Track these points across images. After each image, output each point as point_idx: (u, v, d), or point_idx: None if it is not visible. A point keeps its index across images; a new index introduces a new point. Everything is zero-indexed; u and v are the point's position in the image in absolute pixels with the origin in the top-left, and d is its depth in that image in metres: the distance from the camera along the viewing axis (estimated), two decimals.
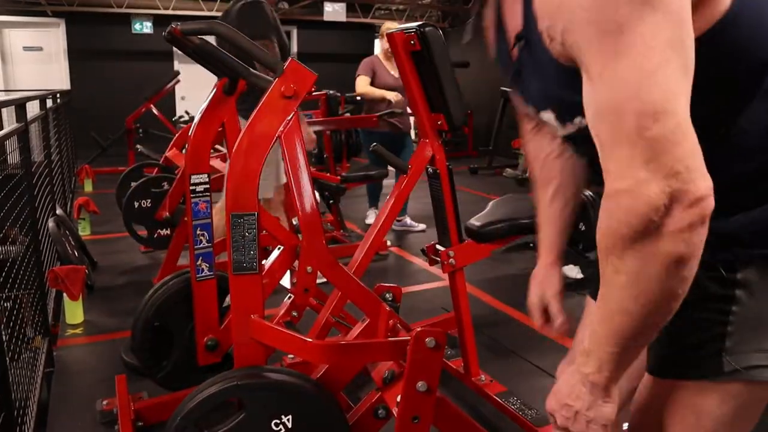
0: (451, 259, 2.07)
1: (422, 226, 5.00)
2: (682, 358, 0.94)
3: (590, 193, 4.20)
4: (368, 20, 10.39)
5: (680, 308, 0.76)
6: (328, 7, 8.34)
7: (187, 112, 8.04)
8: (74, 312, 3.11)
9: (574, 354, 0.93)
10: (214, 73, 2.08)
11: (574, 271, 3.89)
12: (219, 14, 11.26)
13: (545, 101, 0.91)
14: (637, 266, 0.72)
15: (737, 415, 0.93)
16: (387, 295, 1.64)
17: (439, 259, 2.09)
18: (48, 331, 2.74)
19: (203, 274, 2.09)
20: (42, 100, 4.36)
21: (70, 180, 6.45)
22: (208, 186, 2.04)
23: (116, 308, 3.33)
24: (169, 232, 3.76)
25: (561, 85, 0.83)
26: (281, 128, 1.43)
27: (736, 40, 0.80)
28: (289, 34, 10.83)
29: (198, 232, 2.06)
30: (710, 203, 0.70)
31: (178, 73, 8.18)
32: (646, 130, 0.69)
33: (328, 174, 4.40)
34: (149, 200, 3.71)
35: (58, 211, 3.81)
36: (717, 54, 0.79)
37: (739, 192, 0.87)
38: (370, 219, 5.09)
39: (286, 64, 1.43)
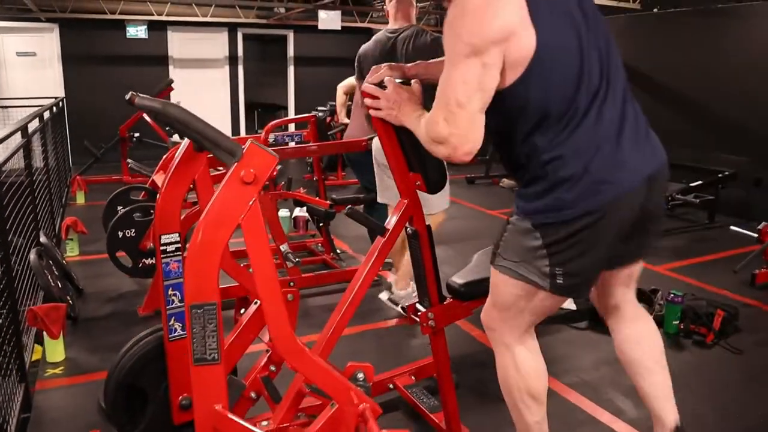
0: (431, 321, 2.01)
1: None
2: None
3: None
4: (365, 25, 10.30)
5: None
6: (322, 15, 8.26)
7: None
8: (54, 350, 3.06)
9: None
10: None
11: (566, 301, 3.84)
12: (214, 20, 11.05)
13: None
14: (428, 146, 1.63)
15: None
16: (358, 375, 1.58)
17: (418, 320, 2.03)
18: (24, 374, 2.69)
19: (176, 334, 2.04)
20: (40, 116, 4.33)
21: (61, 192, 6.39)
22: (179, 245, 1.99)
23: (100, 343, 3.28)
24: (153, 261, 3.70)
25: None
26: (242, 216, 1.37)
27: (524, 94, 1.54)
28: (284, 38, 10.74)
29: (170, 292, 2.01)
30: (462, 152, 1.55)
31: (171, 81, 8.12)
32: (452, 107, 1.52)
33: (318, 198, 4.33)
34: (133, 229, 3.66)
35: (42, 239, 3.76)
36: (513, 100, 1.56)
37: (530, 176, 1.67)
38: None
39: (245, 147, 1.36)
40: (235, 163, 1.36)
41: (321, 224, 4.48)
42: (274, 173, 1.36)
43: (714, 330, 3.40)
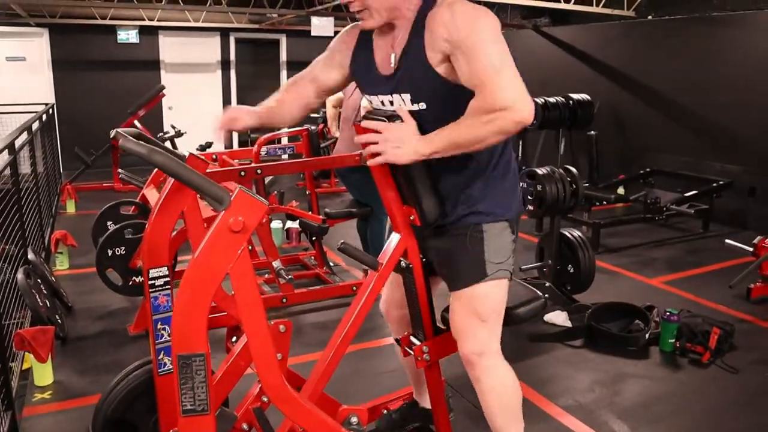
0: (425, 355, 1.98)
1: None
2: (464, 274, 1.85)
3: (579, 233, 4.08)
4: None
5: (457, 250, 1.85)
6: (315, 21, 8.20)
7: (173, 126, 7.91)
8: (43, 373, 3.00)
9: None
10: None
11: (561, 318, 3.81)
12: (206, 25, 10.98)
13: (417, 91, 1.73)
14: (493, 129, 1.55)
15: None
16: (352, 419, 1.54)
17: (412, 353, 1.99)
18: (10, 401, 2.63)
19: (166, 368, 1.99)
20: (28, 128, 4.26)
21: (51, 201, 6.32)
22: (168, 279, 1.94)
23: (89, 364, 3.23)
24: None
25: (430, 81, 1.69)
26: (230, 265, 1.32)
27: None
28: (277, 42, 10.68)
29: (159, 326, 1.96)
30: (530, 111, 1.55)
31: (163, 87, 8.05)
32: (509, 72, 1.56)
33: (310, 212, 4.28)
34: (123, 247, 3.60)
35: (30, 256, 3.70)
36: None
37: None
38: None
39: (234, 194, 1.32)
40: (223, 211, 1.31)
41: (314, 238, 4.44)
42: (264, 221, 1.31)
43: (710, 349, 3.38)
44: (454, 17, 1.58)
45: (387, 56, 1.78)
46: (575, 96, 6.34)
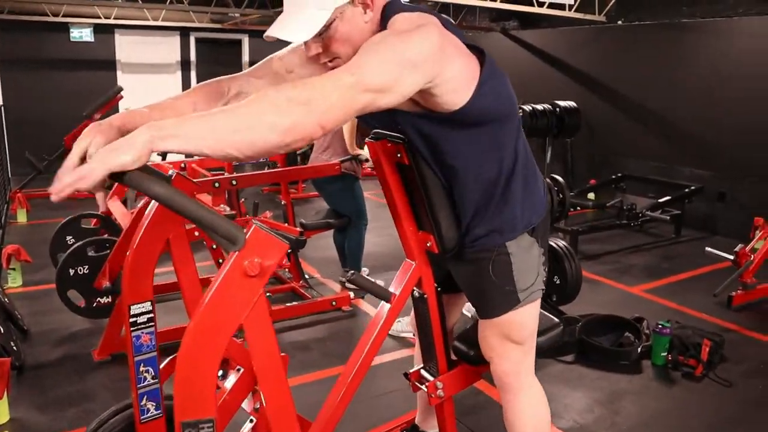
0: (439, 391, 1.81)
1: (380, 283, 4.51)
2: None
3: (565, 243, 3.97)
4: None
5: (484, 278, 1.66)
6: None
7: None
8: None
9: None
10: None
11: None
12: (165, 23, 10.55)
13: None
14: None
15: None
16: None
17: (425, 388, 1.82)
18: None
19: (149, 415, 1.77)
20: None
21: (0, 211, 5.92)
22: (151, 315, 1.72)
23: (50, 397, 2.95)
24: (110, 300, 3.38)
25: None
26: (244, 315, 1.13)
27: (484, 105, 1.43)
28: (239, 42, 10.37)
29: (141, 368, 1.74)
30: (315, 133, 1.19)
31: (120, 89, 7.65)
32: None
33: (287, 225, 4.07)
34: (86, 266, 3.32)
35: None
36: (478, 110, 1.43)
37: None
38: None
39: (249, 233, 1.13)
40: (237, 252, 1.12)
41: (290, 251, 4.22)
42: (284, 262, 1.13)
43: (702, 361, 3.32)
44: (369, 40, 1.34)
45: None
46: (562, 103, 6.28)
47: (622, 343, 3.55)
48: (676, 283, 4.82)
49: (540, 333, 1.91)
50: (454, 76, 1.35)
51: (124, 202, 4.26)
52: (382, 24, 1.40)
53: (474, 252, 1.66)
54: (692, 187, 6.21)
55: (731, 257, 4.30)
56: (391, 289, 1.71)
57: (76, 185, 1.04)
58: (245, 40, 10.35)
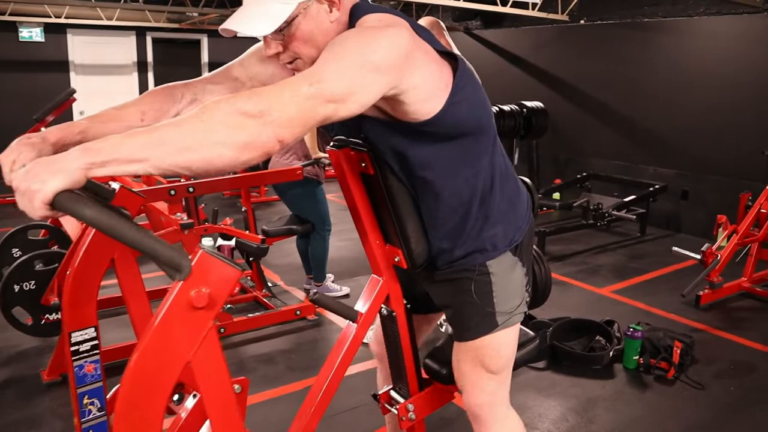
0: (410, 413, 1.70)
1: (345, 290, 4.31)
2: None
3: (535, 246, 3.91)
4: None
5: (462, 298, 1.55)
6: None
7: None
8: None
9: None
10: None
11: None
12: (120, 23, 10.16)
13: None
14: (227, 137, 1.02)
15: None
16: None
17: (396, 411, 1.71)
18: None
19: None
20: None
21: None
22: (95, 343, 1.57)
23: None
24: (60, 316, 3.17)
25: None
26: (192, 352, 1.00)
27: (456, 115, 1.32)
28: (198, 42, 10.11)
29: (85, 401, 1.59)
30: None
31: (73, 91, 7.36)
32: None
33: (248, 233, 3.91)
34: (33, 281, 3.11)
35: None
36: (451, 121, 1.32)
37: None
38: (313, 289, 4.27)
39: (195, 259, 0.99)
40: (181, 282, 0.98)
41: (252, 259, 4.06)
42: (235, 291, 1.01)
43: (674, 364, 3.28)
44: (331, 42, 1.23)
45: None
46: (529, 104, 6.24)
47: (593, 347, 3.49)
48: (643, 283, 4.81)
49: (517, 347, 1.81)
50: (423, 84, 1.24)
51: None
52: (350, 25, 1.29)
53: (452, 272, 1.55)
54: (656, 186, 6.23)
55: (698, 257, 4.29)
56: (358, 308, 1.58)
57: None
58: (204, 41, 10.09)
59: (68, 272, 1.54)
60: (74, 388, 1.58)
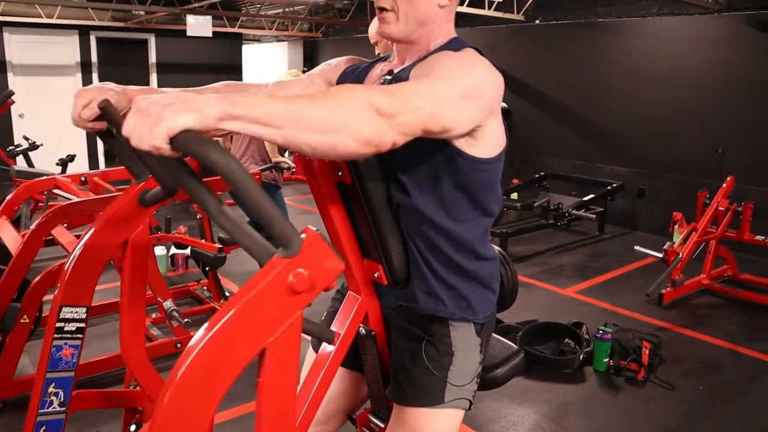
0: None
1: None
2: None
3: (498, 248, 3.84)
4: (235, 30, 9.59)
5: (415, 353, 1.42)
6: (191, 20, 7.46)
7: (26, 138, 6.87)
8: None
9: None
10: (134, 176, 1.45)
11: None
12: (61, 21, 9.75)
13: None
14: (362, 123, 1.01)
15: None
16: None
17: None
18: None
19: None
20: None
21: None
22: (82, 326, 1.41)
23: None
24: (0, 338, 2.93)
25: None
26: (273, 336, 0.91)
27: (497, 170, 1.36)
28: (145, 42, 9.75)
29: (50, 389, 1.42)
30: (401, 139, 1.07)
31: (11, 92, 6.98)
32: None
33: (204, 241, 3.72)
34: None
35: None
36: (490, 171, 1.33)
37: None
38: None
39: (308, 238, 0.92)
40: (288, 259, 0.90)
41: (208, 268, 3.87)
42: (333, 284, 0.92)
43: (644, 365, 3.26)
44: (451, 55, 1.29)
45: (377, 78, 1.44)
46: None
47: (563, 350, 3.45)
48: (606, 283, 4.82)
49: (499, 364, 1.72)
50: (497, 129, 1.30)
51: (16, 222, 3.78)
52: (449, 44, 1.37)
53: (415, 316, 1.43)
54: (614, 185, 6.29)
55: (660, 255, 4.31)
56: (335, 327, 1.45)
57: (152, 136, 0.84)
58: (152, 40, 9.72)
59: (80, 243, 1.38)
60: (43, 370, 1.40)
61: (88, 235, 1.37)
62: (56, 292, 1.46)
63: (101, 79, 9.47)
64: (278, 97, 0.96)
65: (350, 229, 1.42)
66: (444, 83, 1.16)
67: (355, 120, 0.99)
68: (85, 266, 1.37)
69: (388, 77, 1.40)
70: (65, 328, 1.46)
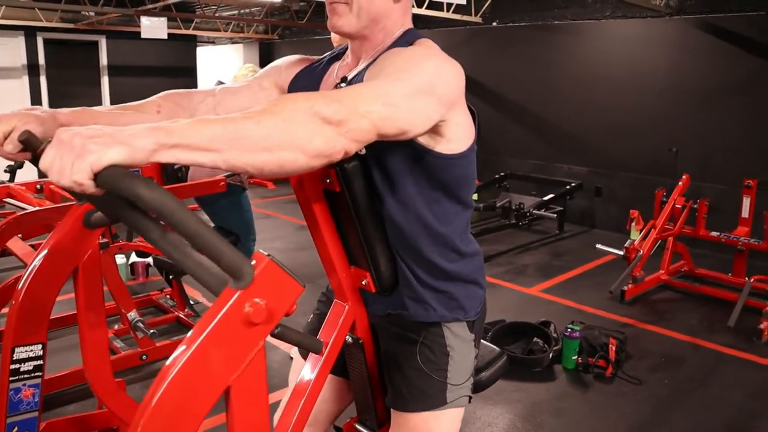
0: None
1: None
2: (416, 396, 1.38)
3: None
4: (190, 32, 9.40)
5: (411, 359, 1.39)
6: (146, 22, 7.27)
7: None
8: None
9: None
10: (75, 198, 1.37)
11: None
12: (6, 22, 9.40)
13: None
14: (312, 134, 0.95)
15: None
16: None
17: None
18: None
19: None
20: None
21: None
22: (40, 363, 1.34)
23: None
24: None
25: None
26: (235, 374, 0.86)
27: (469, 164, 1.32)
28: (95, 44, 9.47)
29: None
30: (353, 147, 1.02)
31: None
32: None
33: None
34: None
35: None
36: (463, 166, 1.30)
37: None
38: None
39: (259, 266, 0.86)
40: (239, 291, 0.85)
41: (171, 277, 3.77)
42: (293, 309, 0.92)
43: (611, 361, 3.33)
44: (401, 52, 1.22)
45: (333, 83, 1.37)
46: None
47: (532, 349, 3.49)
48: (569, 281, 4.91)
49: (483, 367, 1.71)
50: (463, 122, 1.26)
51: None
52: (403, 40, 1.31)
53: (406, 322, 1.41)
54: (573, 184, 6.41)
55: (621, 252, 4.41)
56: (322, 337, 1.42)
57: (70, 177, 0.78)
58: (102, 42, 9.45)
59: (24, 276, 1.29)
60: (3, 415, 1.32)
61: (33, 268, 1.29)
62: (5, 331, 1.38)
63: (49, 81, 9.16)
64: (212, 120, 0.88)
65: (337, 236, 1.39)
66: (395, 83, 1.10)
67: (301, 133, 0.93)
68: (35, 300, 1.29)
69: (342, 85, 1.34)
70: (21, 369, 1.38)
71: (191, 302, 4.05)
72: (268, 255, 0.89)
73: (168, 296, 4.11)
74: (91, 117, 1.25)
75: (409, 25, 1.35)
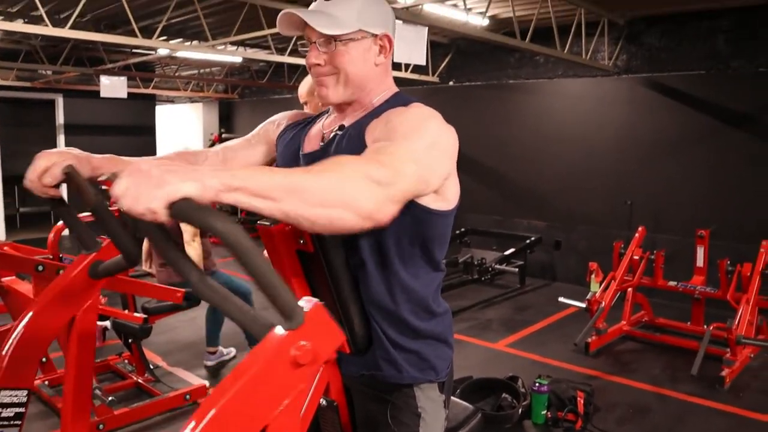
0: None
1: (232, 352, 4.19)
2: None
3: None
4: (149, 90, 9.40)
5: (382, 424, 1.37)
6: (105, 81, 7.25)
7: None
8: None
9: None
10: (85, 247, 1.35)
11: None
12: None
13: None
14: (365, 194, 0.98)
15: None
16: None
17: None
18: None
19: None
20: None
21: None
22: (22, 411, 1.27)
23: None
24: None
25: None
26: (276, 411, 0.87)
27: (448, 222, 1.36)
28: (52, 103, 9.37)
29: None
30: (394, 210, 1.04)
31: None
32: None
33: (127, 312, 3.51)
34: None
35: None
36: (445, 225, 1.35)
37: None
38: (212, 361, 4.10)
39: (308, 308, 0.89)
40: (287, 332, 0.87)
41: (131, 340, 3.65)
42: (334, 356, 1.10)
43: (580, 414, 3.32)
44: (405, 111, 1.27)
45: (319, 133, 1.40)
46: None
47: (501, 405, 3.45)
48: (534, 334, 4.93)
49: (458, 426, 1.69)
50: (453, 181, 1.30)
51: None
52: (396, 101, 1.35)
53: (378, 384, 1.39)
54: (532, 238, 6.52)
55: (583, 305, 4.47)
56: None
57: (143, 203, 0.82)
58: (59, 101, 9.35)
59: (24, 319, 1.24)
60: None
61: (31, 313, 1.26)
62: None
63: (3, 140, 8.98)
64: (274, 170, 0.93)
65: (306, 291, 1.38)
66: (414, 142, 1.15)
67: (356, 192, 0.96)
68: (28, 346, 1.25)
69: (339, 132, 1.36)
70: (2, 414, 1.31)
71: (151, 366, 3.90)
72: (313, 300, 0.92)
73: (127, 361, 3.96)
74: (120, 163, 1.33)
75: (393, 85, 1.41)
